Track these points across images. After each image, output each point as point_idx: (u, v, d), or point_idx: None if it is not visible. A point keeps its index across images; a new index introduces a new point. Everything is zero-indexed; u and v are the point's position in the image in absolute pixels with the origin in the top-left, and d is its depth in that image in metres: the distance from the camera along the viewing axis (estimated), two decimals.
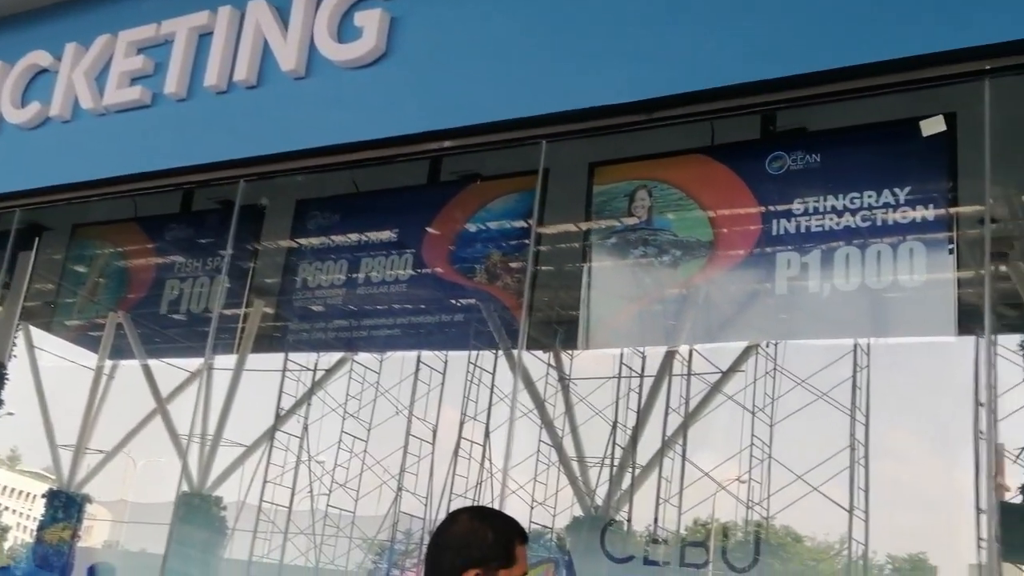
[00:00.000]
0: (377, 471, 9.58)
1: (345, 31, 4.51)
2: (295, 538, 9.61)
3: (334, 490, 9.70)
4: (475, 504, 5.72)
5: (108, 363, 7.08)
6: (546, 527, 7.95)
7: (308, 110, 4.52)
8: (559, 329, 5.85)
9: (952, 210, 3.70)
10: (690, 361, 8.33)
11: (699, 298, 4.22)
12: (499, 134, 4.18)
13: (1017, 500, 4.47)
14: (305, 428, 9.44)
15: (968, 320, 4.01)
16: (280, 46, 4.63)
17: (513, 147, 4.24)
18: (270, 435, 8.85)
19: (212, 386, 8.28)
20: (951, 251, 3.66)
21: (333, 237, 5.13)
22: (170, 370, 7.07)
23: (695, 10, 3.83)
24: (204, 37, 4.90)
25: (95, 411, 7.57)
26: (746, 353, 8.05)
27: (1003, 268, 4.49)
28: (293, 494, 9.53)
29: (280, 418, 8.79)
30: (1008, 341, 5.25)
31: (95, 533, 8.92)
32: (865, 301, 3.88)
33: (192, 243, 5.56)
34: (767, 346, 7.81)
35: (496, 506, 8.64)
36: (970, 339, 4.81)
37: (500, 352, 8.21)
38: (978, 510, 5.13)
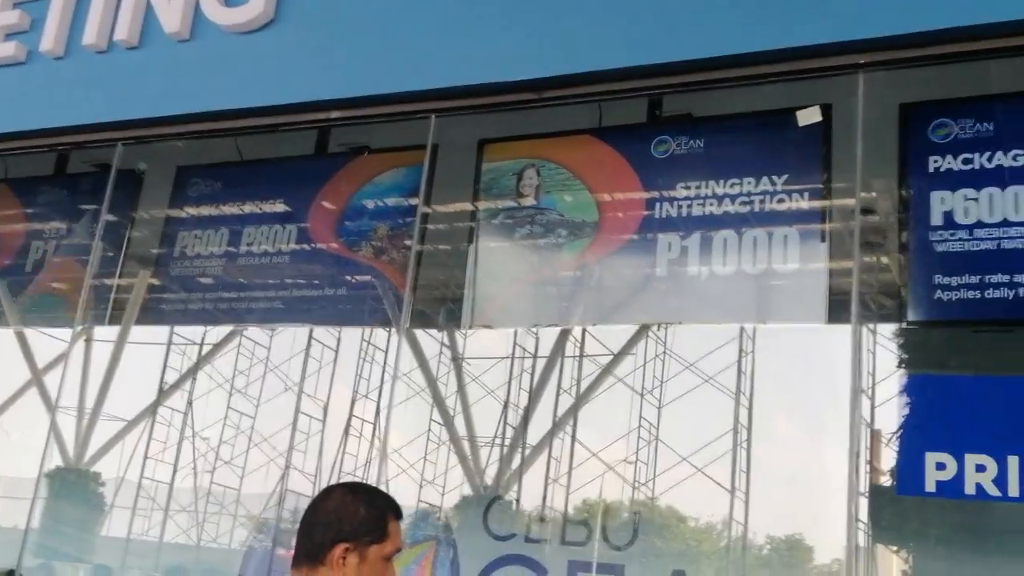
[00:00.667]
0: (264, 448, 9.46)
1: None
2: (176, 515, 9.44)
3: (218, 467, 9.56)
4: (359, 481, 5.70)
5: None
6: (434, 506, 7.98)
7: (191, 74, 4.44)
8: (450, 307, 5.85)
9: (825, 200, 3.82)
10: (583, 343, 8.45)
11: (585, 279, 4.27)
12: (388, 107, 4.17)
13: (888, 484, 4.64)
14: (190, 403, 9.28)
15: (848, 308, 4.17)
16: (163, 7, 4.54)
17: (402, 121, 4.24)
18: (153, 410, 8.68)
19: (91, 358, 8.14)
20: (823, 239, 3.79)
21: (216, 206, 5.03)
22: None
23: None
24: None
25: None
26: (637, 336, 8.21)
27: (884, 259, 4.62)
28: (175, 471, 9.37)
29: (164, 392, 8.64)
30: (887, 329, 5.44)
31: None
32: (743, 286, 3.98)
33: (66, 207, 5.39)
34: (658, 329, 7.98)
35: (384, 485, 8.64)
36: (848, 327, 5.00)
37: (394, 330, 8.19)
38: (854, 493, 5.35)
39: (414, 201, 4.41)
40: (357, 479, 8.30)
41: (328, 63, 4.21)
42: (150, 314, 5.49)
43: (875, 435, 4.40)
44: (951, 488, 3.05)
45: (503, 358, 8.75)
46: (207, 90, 4.39)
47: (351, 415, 9.11)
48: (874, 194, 3.93)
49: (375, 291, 4.63)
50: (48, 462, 8.18)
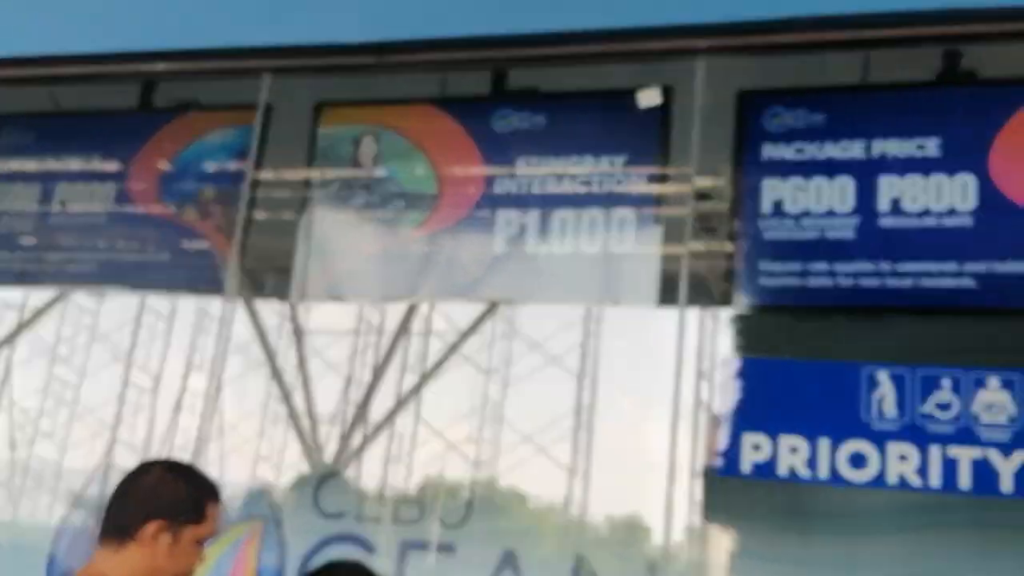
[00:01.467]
0: (89, 421, 9.20)
1: None
2: None
3: (38, 440, 9.25)
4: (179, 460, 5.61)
5: None
6: (268, 484, 7.87)
7: (4, 16, 4.22)
8: (278, 278, 5.76)
9: (662, 183, 3.92)
10: (429, 319, 8.48)
11: (426, 254, 4.26)
12: (219, 61, 4.09)
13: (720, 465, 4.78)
14: (6, 371, 8.95)
15: (693, 293, 4.28)
16: None
17: (234, 77, 4.13)
18: None
19: None
20: (657, 222, 3.88)
21: (29, 159, 4.79)
22: None
23: None
24: None
25: None
26: (486, 315, 8.27)
27: (729, 246, 4.75)
28: None
29: None
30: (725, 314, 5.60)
31: None
32: (582, 267, 4.05)
33: None
34: (506, 308, 8.06)
35: (218, 462, 8.51)
36: (694, 311, 5.14)
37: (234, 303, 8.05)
38: (692, 476, 5.53)
39: (244, 165, 4.29)
40: (188, 455, 8.14)
41: (156, 11, 4.06)
42: None
43: (712, 418, 4.54)
44: (766, 469, 3.19)
45: (347, 332, 8.72)
46: (20, 32, 4.17)
47: (184, 388, 8.90)
48: (710, 180, 4.01)
49: (204, 258, 4.50)
50: None
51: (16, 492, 9.05)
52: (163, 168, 4.57)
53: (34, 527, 8.76)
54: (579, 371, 7.96)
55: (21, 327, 8.48)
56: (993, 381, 3.05)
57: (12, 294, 7.80)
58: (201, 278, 4.56)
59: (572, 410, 8.01)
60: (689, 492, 5.79)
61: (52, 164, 4.74)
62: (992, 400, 3.03)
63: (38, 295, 8.05)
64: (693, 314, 5.33)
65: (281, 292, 6.34)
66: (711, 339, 5.30)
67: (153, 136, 4.63)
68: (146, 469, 2.48)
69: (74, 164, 4.70)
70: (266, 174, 4.37)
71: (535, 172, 4.07)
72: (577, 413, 7.95)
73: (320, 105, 4.38)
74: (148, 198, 4.56)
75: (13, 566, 6.77)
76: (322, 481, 6.66)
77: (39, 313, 8.54)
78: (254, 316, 8.44)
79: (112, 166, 4.64)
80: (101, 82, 4.29)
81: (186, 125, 4.59)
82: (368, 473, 7.60)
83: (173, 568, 2.35)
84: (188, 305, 8.00)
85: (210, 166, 4.48)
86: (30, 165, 4.78)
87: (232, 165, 4.42)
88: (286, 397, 8.82)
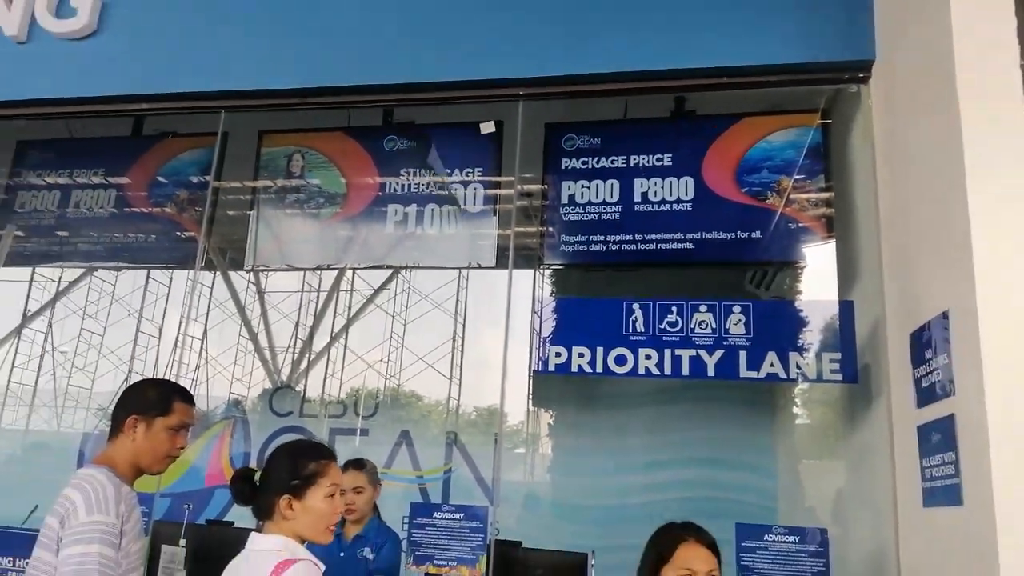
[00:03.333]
0: (111, 359, 8.78)
1: (62, 9, 3.94)
2: (39, 409, 8.58)
3: (74, 373, 8.77)
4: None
5: None
6: (240, 396, 7.66)
7: (29, 68, 3.89)
8: (232, 256, 5.56)
9: (496, 187, 3.92)
10: (352, 280, 8.33)
11: (342, 235, 4.15)
12: (187, 102, 3.84)
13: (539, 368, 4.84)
14: (50, 326, 8.44)
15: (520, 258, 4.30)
16: (4, 15, 3.94)
17: (198, 113, 3.91)
18: (17, 331, 7.88)
19: None
20: (494, 212, 3.88)
21: (52, 173, 4.46)
22: None
23: (338, 17, 3.72)
24: None
25: None
26: (391, 276, 8.18)
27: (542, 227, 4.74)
28: (38, 376, 8.51)
29: (27, 318, 7.85)
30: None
31: None
32: (450, 243, 4.01)
33: None
34: (406, 272, 8.00)
35: (206, 382, 8.18)
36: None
37: (217, 273, 7.76)
38: (528, 377, 5.61)
39: (208, 176, 4.09)
40: (187, 380, 7.88)
41: (139, 65, 3.80)
42: (12, 258, 4.80)
43: (540, 338, 4.59)
44: (564, 367, 3.23)
45: (295, 292, 8.53)
46: (42, 81, 3.86)
47: (179, 333, 8.57)
48: (529, 183, 4.01)
49: (189, 242, 4.27)
50: None
51: (59, 410, 8.57)
52: (151, 178, 4.31)
53: (72, 434, 8.32)
54: (454, 313, 8.01)
55: (59, 294, 7.99)
56: (703, 307, 3.16)
57: (50, 271, 7.36)
58: (188, 255, 4.32)
59: (450, 339, 8.07)
60: (526, 389, 5.90)
61: (69, 177, 4.42)
62: (702, 319, 3.14)
63: (69, 272, 7.62)
64: (525, 273, 5.40)
65: (238, 264, 6.14)
66: (539, 287, 5.40)
67: (143, 155, 4.37)
68: (132, 384, 2.41)
69: (86, 176, 4.40)
70: (225, 182, 4.17)
71: (413, 179, 4.01)
72: (453, 340, 8.01)
73: (262, 132, 4.22)
74: (142, 200, 4.30)
75: (58, 460, 6.42)
76: (276, 392, 6.52)
77: (72, 284, 8.07)
78: (228, 281, 8.12)
79: (114, 177, 4.36)
80: (104, 116, 4.00)
81: (166, 148, 4.33)
82: (311, 386, 7.51)
83: (151, 449, 2.28)
84: (180, 275, 7.71)
85: (184, 177, 4.26)
86: (53, 177, 4.45)
87: (200, 176, 4.20)
88: (253, 337, 8.58)
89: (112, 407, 2.34)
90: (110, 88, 3.83)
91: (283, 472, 2.05)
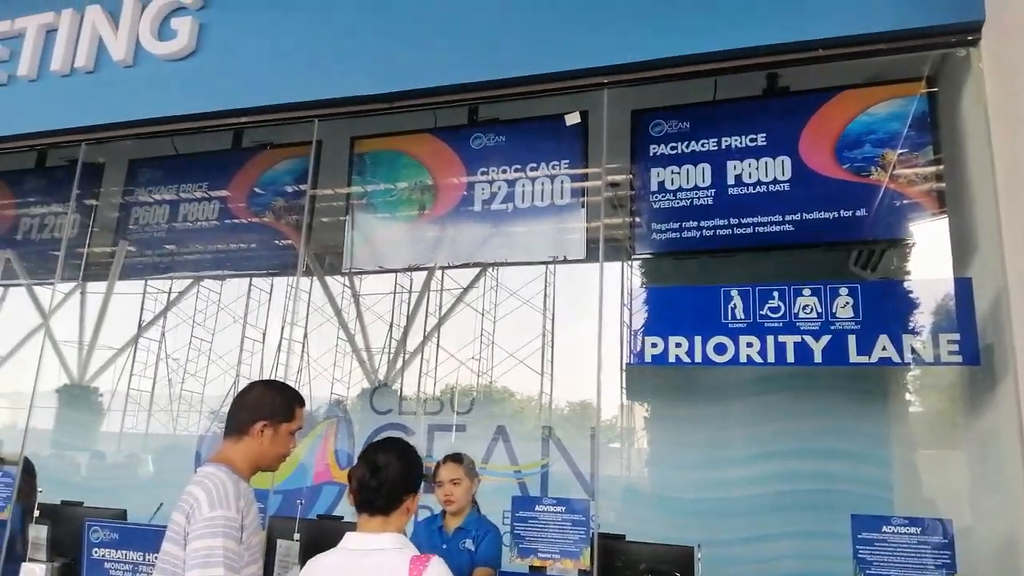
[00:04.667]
0: (220, 364, 9.23)
1: (164, 32, 4.16)
2: (157, 414, 9.12)
3: (186, 378, 9.27)
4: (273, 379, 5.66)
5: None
6: (341, 396, 7.91)
7: (135, 90, 4.14)
8: (331, 260, 5.74)
9: (584, 177, 3.89)
10: (442, 280, 8.48)
11: (432, 236, 4.22)
12: (282, 113, 3.99)
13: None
14: (163, 334, 8.97)
15: (609, 250, 4.26)
16: (111, 41, 4.22)
17: (293, 123, 4.06)
18: (135, 340, 8.45)
19: (86, 305, 7.77)
20: (582, 204, 3.86)
21: (161, 189, 4.74)
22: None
23: (420, 22, 3.78)
24: (51, 32, 4.39)
25: None
26: (480, 274, 8.28)
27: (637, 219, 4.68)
28: (155, 382, 9.06)
29: (142, 328, 8.40)
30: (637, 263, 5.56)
31: None
32: (540, 238, 4.00)
33: (44, 192, 5.00)
34: (493, 270, 8.07)
35: (308, 384, 8.48)
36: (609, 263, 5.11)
37: (314, 278, 8.06)
38: (620, 370, 5.57)
39: (303, 186, 4.23)
40: (291, 381, 8.21)
41: (237, 81, 3.98)
42: (133, 272, 5.12)
43: (631, 331, 4.54)
44: (661, 358, 3.18)
45: (388, 293, 8.74)
46: (148, 102, 4.10)
47: (282, 337, 8.94)
48: (617, 173, 3.96)
49: (287, 249, 4.43)
50: (57, 382, 7.90)
51: (174, 414, 9.10)
52: (250, 188, 4.51)
53: (187, 436, 8.82)
54: (543, 308, 8.02)
55: (170, 304, 8.49)
56: (806, 291, 3.05)
57: (160, 283, 7.82)
58: (287, 263, 4.49)
59: (539, 335, 8.08)
60: (620, 381, 5.85)
61: (176, 192, 4.68)
62: (806, 303, 3.03)
63: (179, 282, 8.08)
64: (613, 266, 5.34)
65: (335, 268, 6.35)
66: (628, 278, 5.33)
67: (242, 166, 4.57)
68: (250, 387, 2.49)
69: (190, 191, 4.64)
70: (320, 190, 4.32)
71: (500, 175, 4.03)
72: (543, 336, 8.01)
73: (354, 139, 4.33)
74: (243, 211, 4.50)
75: (174, 461, 6.81)
76: (376, 391, 6.71)
77: (181, 294, 8.56)
78: (325, 286, 8.41)
79: (216, 191, 4.58)
80: (206, 132, 4.21)
81: (265, 158, 4.52)
82: (407, 385, 7.66)
83: (273, 452, 2.37)
84: (281, 282, 8.04)
85: (281, 184, 4.43)
86: (162, 193, 4.72)
87: (295, 185, 4.37)
88: (350, 339, 8.85)
89: (228, 408, 2.43)
90: (210, 104, 4.03)
91: None
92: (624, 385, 5.98)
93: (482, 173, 4.08)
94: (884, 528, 2.68)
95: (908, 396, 4.70)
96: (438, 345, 8.41)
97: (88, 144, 4.46)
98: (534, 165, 3.99)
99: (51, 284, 4.77)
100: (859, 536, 2.70)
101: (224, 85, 4.02)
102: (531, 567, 2.97)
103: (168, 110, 4.06)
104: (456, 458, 3.37)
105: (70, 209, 4.66)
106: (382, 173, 4.28)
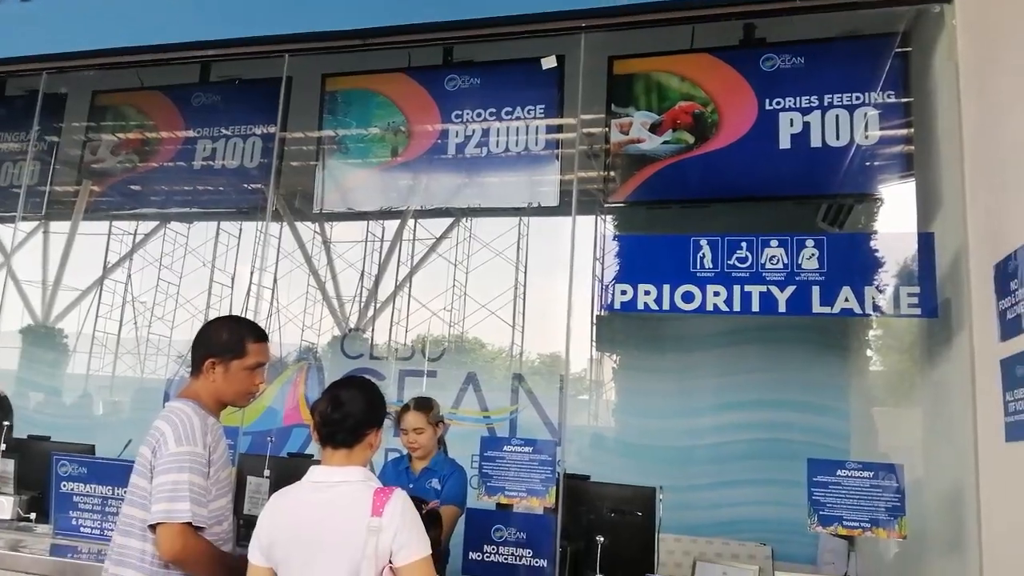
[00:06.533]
0: (188, 308, 9.13)
1: None
2: (124, 356, 9.05)
3: (153, 322, 9.18)
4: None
5: None
6: (311, 343, 7.92)
7: (100, 19, 4.05)
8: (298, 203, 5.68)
9: (559, 126, 3.87)
10: (415, 229, 8.44)
11: (403, 179, 4.18)
12: (251, 47, 3.91)
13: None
14: (129, 277, 8.85)
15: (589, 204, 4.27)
16: None
17: (262, 58, 3.97)
18: (99, 282, 8.32)
19: (50, 244, 7.63)
20: (557, 157, 3.85)
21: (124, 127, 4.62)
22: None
23: None
24: None
25: None
26: (453, 224, 8.25)
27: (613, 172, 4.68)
28: (121, 325, 8.96)
29: (108, 269, 8.27)
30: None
31: None
32: (513, 188, 4.00)
33: (3, 123, 4.84)
34: (466, 220, 8.05)
35: (279, 330, 8.45)
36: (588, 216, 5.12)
37: (284, 223, 7.96)
38: (591, 323, 5.64)
39: (272, 128, 4.17)
40: None
41: (205, 12, 3.90)
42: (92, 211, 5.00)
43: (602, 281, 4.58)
44: (630, 305, 3.22)
45: (359, 241, 8.69)
46: (112, 32, 3.98)
47: (250, 283, 8.86)
48: (593, 125, 3.94)
49: (256, 193, 4.36)
50: (20, 322, 7.79)
51: (142, 357, 9.04)
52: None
53: (155, 379, 8.77)
54: (515, 260, 8.03)
55: (136, 246, 8.37)
56: (773, 242, 3.10)
57: (126, 224, 7.69)
58: (256, 206, 4.43)
59: (511, 286, 8.11)
60: (590, 333, 5.92)
61: (141, 130, 4.57)
62: (773, 254, 3.08)
63: (145, 224, 7.95)
64: (587, 219, 5.34)
65: (305, 215, 6.27)
66: (600, 229, 5.34)
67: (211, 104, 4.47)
68: (206, 324, 2.47)
69: (155, 130, 4.54)
70: (290, 132, 4.26)
71: (474, 118, 4.00)
72: (515, 288, 8.04)
73: (325, 76, 4.26)
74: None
75: (142, 403, 6.80)
76: (346, 337, 6.73)
77: (147, 236, 8.42)
78: (295, 231, 8.33)
79: (183, 131, 4.48)
80: (173, 64, 4.10)
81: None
82: (378, 331, 7.68)
83: (231, 389, 2.37)
84: (250, 226, 7.95)
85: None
86: (127, 131, 4.61)
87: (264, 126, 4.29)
88: (321, 286, 8.81)
89: (191, 347, 2.43)
90: (177, 35, 3.92)
91: None
92: (594, 338, 6.06)
93: (456, 116, 4.05)
94: (838, 472, 2.79)
95: (869, 352, 4.83)
96: (410, 295, 8.40)
97: (49, 73, 4.33)
98: (509, 109, 3.97)
99: (12, 222, 4.65)
100: (814, 479, 2.80)
101: (192, 16, 3.91)
102: (498, 504, 3.05)
103: (133, 40, 3.96)
104: (419, 405, 3.39)
105: (31, 142, 4.54)
106: (354, 113, 4.22)
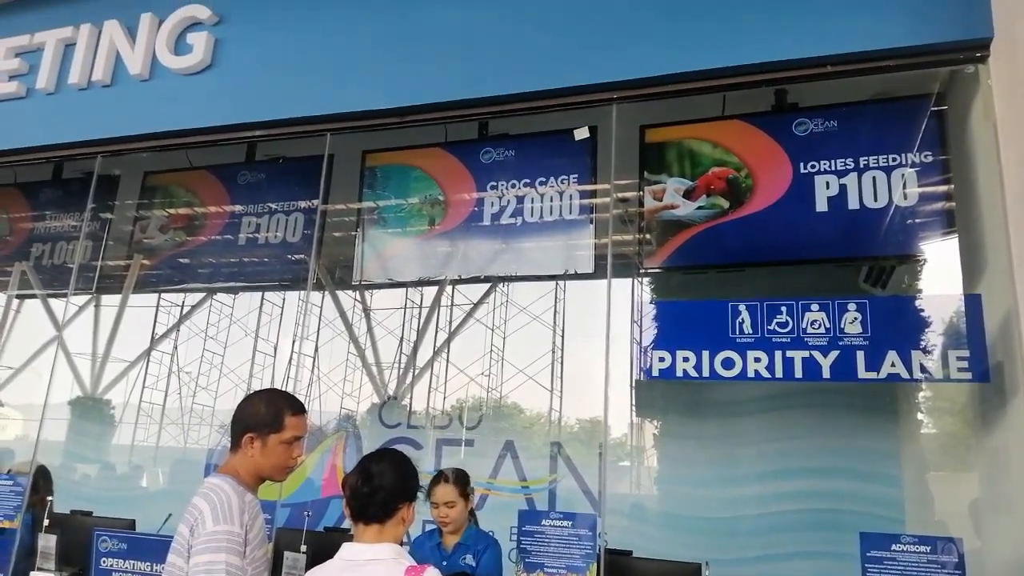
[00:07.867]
0: (231, 377, 9.25)
1: (180, 47, 4.23)
2: (168, 427, 9.16)
3: (198, 392, 9.30)
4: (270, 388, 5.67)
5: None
6: (351, 410, 7.93)
7: (151, 104, 4.21)
8: (340, 274, 5.77)
9: (593, 193, 3.90)
10: (452, 295, 8.49)
11: (443, 251, 4.23)
12: (294, 127, 4.04)
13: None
14: (175, 347, 9.02)
15: (620, 266, 4.24)
16: (128, 55, 4.29)
17: (305, 137, 4.10)
18: (147, 353, 8.49)
19: (100, 317, 7.83)
20: (591, 221, 3.86)
21: (172, 203, 4.80)
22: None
23: (431, 37, 3.82)
24: (69, 47, 4.47)
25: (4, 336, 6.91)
26: (489, 290, 8.29)
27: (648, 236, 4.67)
28: (166, 395, 9.09)
29: (155, 340, 8.45)
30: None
31: (9, 429, 8.31)
32: (550, 253, 4.02)
33: (60, 203, 5.06)
34: (503, 286, 8.08)
35: (318, 399, 8.49)
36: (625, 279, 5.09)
37: (325, 292, 8.09)
38: (630, 387, 5.54)
39: (315, 201, 4.27)
40: (301, 395, 8.21)
41: (250, 95, 4.05)
42: (140, 284, 5.15)
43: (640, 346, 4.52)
44: (668, 372, 3.16)
45: (398, 308, 8.76)
46: (163, 116, 4.17)
47: (293, 351, 8.97)
48: (626, 190, 3.96)
49: (300, 264, 4.44)
50: (70, 394, 7.96)
51: (185, 427, 9.13)
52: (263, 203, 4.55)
53: (197, 449, 8.84)
54: (552, 324, 8.00)
55: (183, 317, 8.56)
56: (814, 306, 3.03)
57: (173, 296, 7.88)
58: (298, 276, 4.51)
59: (549, 351, 8.06)
60: (629, 398, 5.81)
61: (189, 206, 4.72)
62: (814, 318, 3.01)
63: (192, 296, 8.14)
64: (623, 282, 5.32)
65: (345, 283, 6.36)
66: (637, 293, 5.31)
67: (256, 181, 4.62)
68: (246, 398, 2.44)
69: (203, 205, 4.68)
70: (332, 204, 4.36)
71: (509, 189, 4.05)
72: (552, 352, 7.99)
73: (365, 152, 4.37)
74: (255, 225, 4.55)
75: (186, 472, 6.82)
76: (385, 405, 6.71)
77: (194, 307, 8.62)
78: (336, 300, 8.45)
79: (229, 206, 4.63)
80: (220, 145, 4.26)
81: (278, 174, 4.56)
82: (416, 399, 7.66)
83: (268, 464, 2.34)
84: (292, 296, 8.09)
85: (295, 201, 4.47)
86: (175, 208, 4.77)
87: (308, 200, 4.40)
88: (360, 353, 8.86)
89: (231, 421, 2.43)
90: (224, 118, 4.09)
91: None
92: (634, 402, 5.94)
93: (492, 187, 4.10)
94: (893, 547, 2.64)
95: (919, 416, 4.64)
96: (447, 360, 8.40)
97: (104, 156, 4.53)
98: (543, 179, 4.01)
99: (65, 296, 4.80)
100: (868, 555, 2.66)
101: (238, 99, 4.08)
102: None
103: (183, 123, 4.13)
104: (449, 479, 3.31)
105: (85, 221, 4.72)
106: (393, 187, 4.31)
